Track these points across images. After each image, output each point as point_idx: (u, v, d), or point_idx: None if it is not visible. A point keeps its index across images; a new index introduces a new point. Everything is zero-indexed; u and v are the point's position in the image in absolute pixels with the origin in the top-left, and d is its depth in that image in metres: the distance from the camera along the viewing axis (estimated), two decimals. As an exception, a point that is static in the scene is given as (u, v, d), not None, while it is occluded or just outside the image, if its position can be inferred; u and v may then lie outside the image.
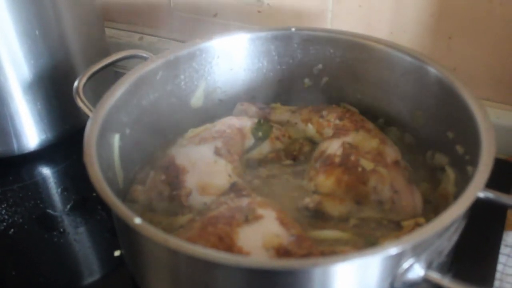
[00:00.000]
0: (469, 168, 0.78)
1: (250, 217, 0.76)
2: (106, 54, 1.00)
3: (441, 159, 0.90)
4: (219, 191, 0.85)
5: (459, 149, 0.85)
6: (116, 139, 0.87)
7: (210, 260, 0.61)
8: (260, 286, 0.65)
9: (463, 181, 0.76)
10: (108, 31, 1.37)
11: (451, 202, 0.69)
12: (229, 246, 0.72)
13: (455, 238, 0.73)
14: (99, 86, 0.89)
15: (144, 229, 0.64)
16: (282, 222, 0.76)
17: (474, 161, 0.74)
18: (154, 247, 0.68)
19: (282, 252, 0.72)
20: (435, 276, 0.67)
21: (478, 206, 0.72)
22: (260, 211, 0.78)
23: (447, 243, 0.71)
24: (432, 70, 0.89)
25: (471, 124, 0.79)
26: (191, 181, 0.86)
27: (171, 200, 0.85)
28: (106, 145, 0.84)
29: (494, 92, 1.11)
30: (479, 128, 0.77)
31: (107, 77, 1.11)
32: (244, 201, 0.80)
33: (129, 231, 0.71)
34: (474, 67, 1.09)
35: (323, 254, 0.72)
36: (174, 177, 0.87)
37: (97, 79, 0.97)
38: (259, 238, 0.74)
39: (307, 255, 0.72)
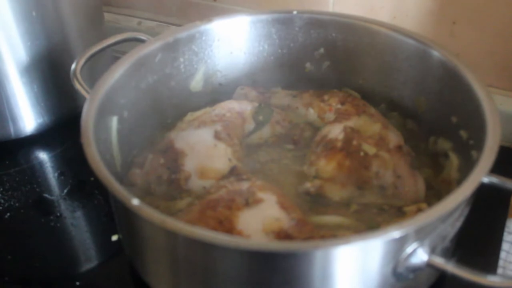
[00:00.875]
0: (474, 153, 0.77)
1: (250, 201, 0.75)
2: (104, 38, 0.98)
3: (444, 144, 0.89)
4: (219, 175, 0.84)
5: (463, 134, 0.83)
6: (114, 122, 0.85)
7: (208, 241, 0.60)
8: (260, 269, 0.63)
9: (467, 167, 0.74)
10: (106, 16, 1.35)
11: (454, 188, 0.68)
12: (229, 229, 0.71)
13: (459, 223, 0.72)
14: (98, 72, 0.87)
15: (142, 210, 0.63)
16: (283, 206, 0.75)
17: (478, 146, 0.73)
18: (152, 228, 0.67)
19: (282, 236, 0.71)
20: (439, 261, 0.66)
21: (482, 192, 0.71)
22: (261, 194, 0.76)
23: (451, 228, 0.70)
24: (435, 53, 0.88)
25: (475, 108, 0.78)
26: (190, 165, 0.85)
27: (170, 184, 0.84)
28: (103, 128, 0.82)
29: (498, 78, 1.09)
30: (484, 111, 0.76)
31: (106, 62, 1.09)
32: (244, 185, 0.79)
33: (127, 213, 0.69)
34: (478, 53, 1.08)
35: (324, 238, 0.71)
36: (173, 160, 0.85)
37: (95, 64, 0.96)
38: (259, 222, 0.72)
39: (308, 239, 0.70)
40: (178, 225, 0.61)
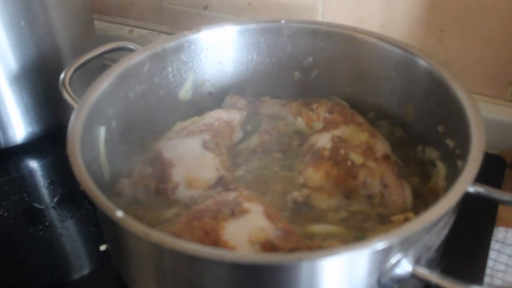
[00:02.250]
0: (459, 162, 0.77)
1: (236, 211, 0.75)
2: (95, 46, 0.98)
3: (431, 153, 0.89)
4: (206, 185, 0.84)
5: (450, 143, 0.83)
6: (101, 132, 0.85)
7: (192, 254, 0.60)
8: (244, 281, 0.63)
9: (454, 176, 0.74)
10: (97, 24, 1.35)
11: (442, 197, 0.68)
12: (215, 240, 0.71)
13: (444, 233, 0.72)
14: (88, 80, 0.87)
15: (126, 222, 0.63)
16: (269, 216, 0.75)
17: (464, 155, 0.73)
18: (137, 241, 0.67)
19: (268, 246, 0.71)
20: (423, 271, 0.66)
21: (469, 201, 0.71)
22: (247, 205, 0.76)
23: (436, 238, 0.70)
24: (422, 63, 0.88)
25: (461, 118, 0.78)
26: (178, 174, 0.84)
27: (157, 194, 0.84)
28: (91, 138, 0.82)
29: (486, 86, 1.10)
30: (469, 122, 0.76)
31: (96, 70, 1.09)
32: (231, 195, 0.79)
33: (112, 224, 0.69)
34: (466, 61, 1.08)
35: (310, 248, 0.71)
36: (160, 170, 0.85)
37: (85, 72, 0.96)
38: (245, 232, 0.72)
39: (294, 249, 0.70)
40: (162, 237, 0.61)
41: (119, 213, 0.64)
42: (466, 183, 0.68)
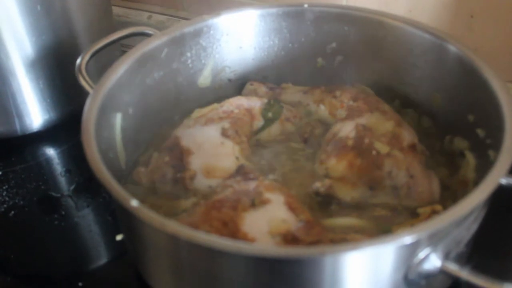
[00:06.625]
0: (491, 153, 0.74)
1: (256, 201, 0.73)
2: (112, 32, 0.96)
3: (460, 143, 0.85)
4: (226, 174, 0.81)
5: (480, 132, 0.80)
6: (118, 119, 0.83)
7: (209, 246, 0.57)
8: (264, 275, 0.61)
9: (484, 167, 0.71)
10: (116, 10, 1.33)
11: (471, 189, 0.65)
12: (234, 231, 0.69)
13: (474, 227, 0.69)
14: (106, 67, 0.85)
15: (141, 212, 0.61)
16: (291, 207, 0.73)
17: (496, 145, 0.70)
18: (152, 231, 0.65)
19: (289, 238, 0.68)
20: (453, 267, 0.63)
21: (500, 193, 0.67)
22: (268, 195, 0.74)
23: (466, 232, 0.67)
24: (452, 49, 0.85)
25: (493, 106, 0.75)
26: (196, 163, 0.82)
27: (175, 183, 0.82)
28: (107, 125, 0.80)
29: (518, 74, 1.06)
30: (502, 110, 0.73)
31: (115, 57, 1.07)
32: (251, 185, 0.76)
33: (127, 214, 0.67)
34: (497, 48, 1.04)
35: (333, 241, 0.69)
36: (178, 159, 0.83)
37: (103, 59, 0.94)
38: (266, 223, 0.70)
39: (316, 242, 0.68)
40: (179, 228, 0.59)
41: (134, 202, 0.61)
42: (500, 174, 0.65)
